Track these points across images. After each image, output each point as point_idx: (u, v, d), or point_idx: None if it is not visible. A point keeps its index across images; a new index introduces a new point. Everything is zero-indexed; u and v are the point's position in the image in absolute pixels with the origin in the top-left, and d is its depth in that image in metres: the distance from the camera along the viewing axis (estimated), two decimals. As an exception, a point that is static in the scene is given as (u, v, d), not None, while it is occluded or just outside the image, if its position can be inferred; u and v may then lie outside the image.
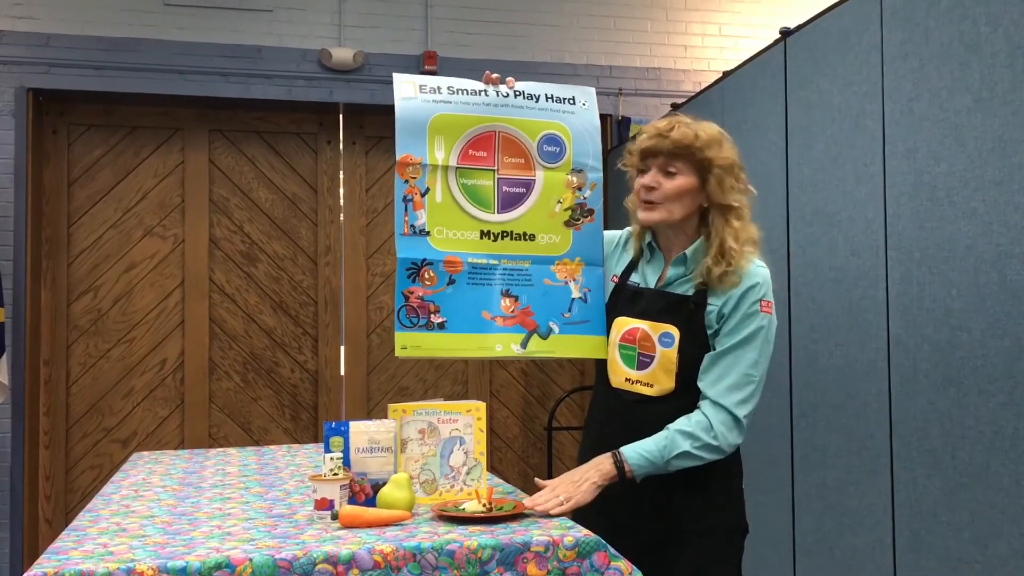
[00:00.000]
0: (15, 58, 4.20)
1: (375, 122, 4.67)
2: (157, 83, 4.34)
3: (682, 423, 1.77)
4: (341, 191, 4.76)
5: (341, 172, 4.76)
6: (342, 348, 4.72)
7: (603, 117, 4.84)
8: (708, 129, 1.83)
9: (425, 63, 4.55)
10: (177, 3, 4.36)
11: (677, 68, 4.97)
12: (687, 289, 1.84)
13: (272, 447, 2.75)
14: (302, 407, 4.68)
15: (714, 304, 1.80)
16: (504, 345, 1.92)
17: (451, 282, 1.91)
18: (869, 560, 2.53)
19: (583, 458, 2.00)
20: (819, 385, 2.81)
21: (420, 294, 1.89)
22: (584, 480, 1.77)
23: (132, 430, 4.47)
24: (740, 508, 1.88)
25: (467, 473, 1.93)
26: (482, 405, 1.96)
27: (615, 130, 4.85)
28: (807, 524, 2.87)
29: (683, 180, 1.82)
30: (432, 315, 1.89)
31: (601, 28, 4.86)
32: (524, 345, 1.93)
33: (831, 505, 2.73)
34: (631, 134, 4.76)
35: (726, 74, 3.59)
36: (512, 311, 1.94)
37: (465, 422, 1.94)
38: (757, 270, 1.81)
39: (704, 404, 1.79)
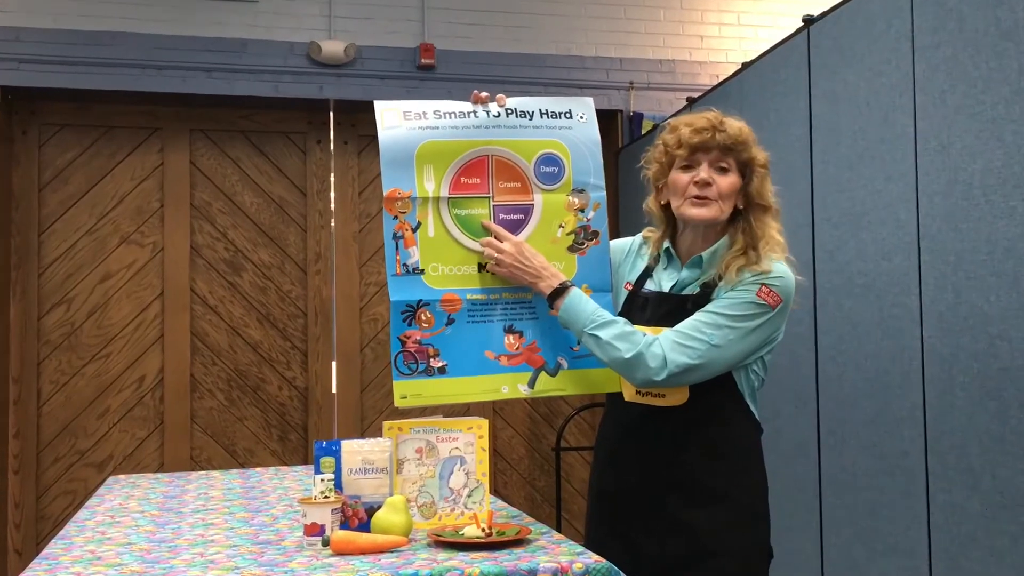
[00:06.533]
0: (-18, 54, 4.23)
1: (368, 120, 4.63)
2: (134, 80, 4.36)
3: (631, 326, 1.83)
4: (332, 194, 4.77)
5: (332, 174, 4.78)
6: (333, 363, 4.72)
7: (613, 113, 4.85)
8: (746, 127, 1.88)
9: (422, 56, 4.57)
10: (155, -6, 4.38)
11: (692, 60, 4.98)
12: (693, 288, 1.86)
13: (258, 469, 2.75)
14: (291, 427, 4.68)
15: (716, 295, 1.82)
16: (511, 386, 1.94)
17: (450, 322, 1.92)
18: (904, 589, 2.52)
19: (595, 481, 2.01)
20: (848, 400, 2.81)
21: (417, 338, 1.90)
22: (525, 269, 1.88)
23: (108, 453, 4.47)
24: (765, 529, 1.88)
25: (468, 496, 1.93)
26: (484, 422, 1.97)
27: (626, 127, 4.86)
28: (836, 550, 2.86)
29: (734, 178, 1.86)
30: (431, 359, 1.91)
31: (610, 18, 4.88)
32: (532, 384, 1.95)
33: (862, 530, 2.73)
34: (643, 131, 4.77)
35: (745, 66, 3.60)
36: (517, 348, 1.95)
37: (466, 440, 1.94)
38: (781, 266, 1.83)
39: (650, 335, 1.82)
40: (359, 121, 4.77)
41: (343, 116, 4.77)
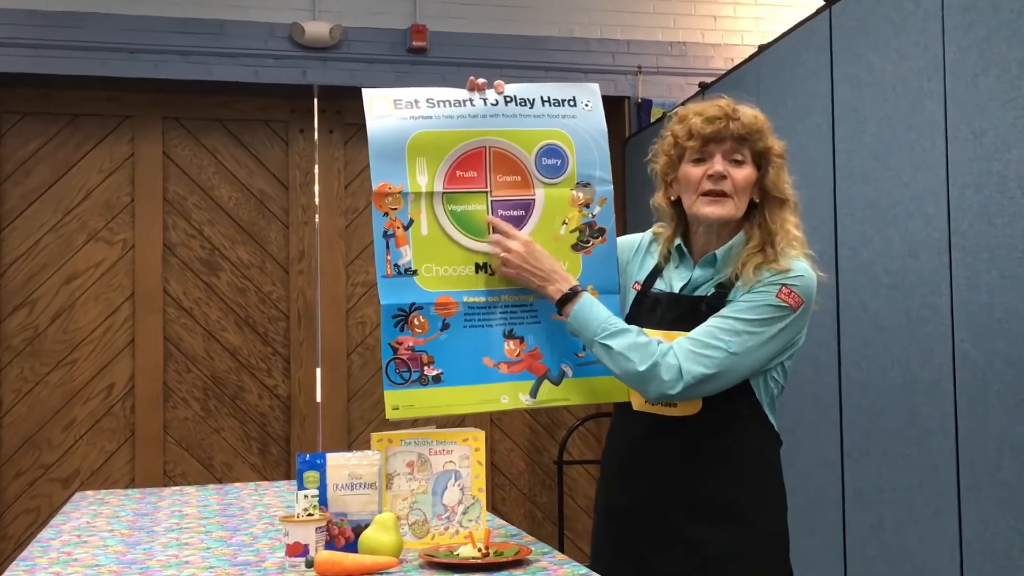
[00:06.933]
0: (-62, 36, 4.23)
1: (355, 107, 4.63)
2: (103, 64, 4.36)
3: (644, 335, 1.81)
4: (316, 188, 4.77)
5: (316, 166, 4.78)
6: (318, 370, 4.72)
7: (620, 100, 4.85)
8: (760, 115, 1.88)
9: (413, 38, 4.58)
10: (125, -29, 4.38)
11: (705, 42, 4.98)
12: (707, 289, 1.86)
13: (237, 485, 2.75)
14: (272, 439, 4.68)
15: (733, 297, 1.82)
16: (511, 396, 1.93)
17: (445, 327, 1.92)
18: (934, 613, 2.53)
19: (602, 496, 2.01)
20: (873, 409, 2.81)
21: (410, 344, 1.90)
22: (535, 271, 1.87)
23: (74, 467, 4.47)
24: (784, 549, 1.88)
25: (463, 513, 1.93)
26: (481, 434, 1.97)
27: (634, 114, 4.86)
28: (861, 571, 2.86)
29: (750, 170, 1.86)
30: (425, 367, 1.90)
31: (617, -4, 4.88)
32: (534, 393, 1.94)
33: (888, 549, 2.73)
34: (652, 119, 4.77)
35: (762, 48, 3.60)
36: (518, 355, 1.95)
37: (461, 453, 1.94)
38: (799, 264, 1.83)
39: (665, 343, 1.82)
40: (345, 108, 4.77)
41: (328, 103, 4.77)
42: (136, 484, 4.48)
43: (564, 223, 1.98)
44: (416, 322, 1.90)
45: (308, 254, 4.73)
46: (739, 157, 1.84)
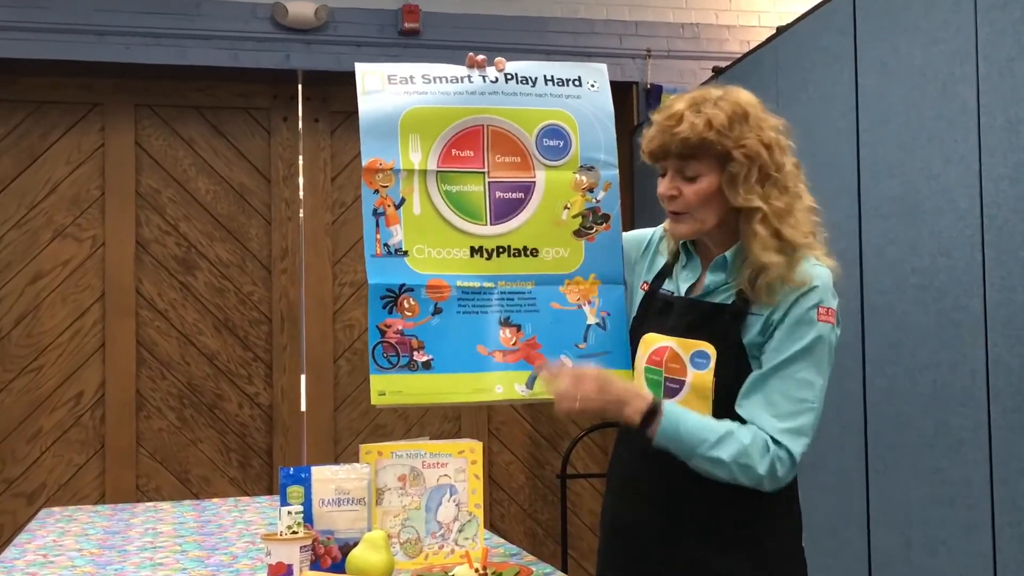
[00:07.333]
0: None
1: (342, 94, 4.69)
2: (70, 47, 4.36)
3: (742, 431, 1.75)
4: (300, 180, 4.77)
5: (300, 157, 4.78)
6: (303, 377, 4.72)
7: (628, 85, 4.86)
8: (727, 107, 1.80)
9: (404, 19, 4.58)
10: (95, -53, 4.39)
11: (720, 24, 4.98)
12: (727, 297, 1.85)
13: (215, 500, 2.76)
14: (253, 451, 4.68)
15: (759, 313, 1.81)
16: (505, 386, 1.94)
17: (437, 311, 1.93)
18: (966, 638, 2.53)
19: (607, 511, 2.01)
20: (900, 419, 2.81)
21: (399, 327, 1.91)
22: (610, 397, 1.76)
23: (40, 481, 4.48)
24: (800, 573, 1.89)
25: (459, 531, 1.93)
26: (478, 445, 1.97)
27: (642, 101, 4.87)
28: (888, 594, 2.87)
29: (705, 183, 1.81)
30: (415, 352, 1.91)
31: (624, -26, 4.89)
32: (530, 385, 1.95)
33: (917, 571, 2.73)
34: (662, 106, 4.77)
35: (780, 30, 3.61)
36: (514, 343, 1.96)
37: (457, 466, 1.95)
38: (813, 270, 1.81)
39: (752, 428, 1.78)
40: (332, 95, 4.78)
41: (313, 89, 4.78)
42: (107, 500, 4.48)
43: (566, 208, 2.00)
44: (406, 304, 1.92)
45: (292, 252, 4.74)
46: (690, 173, 1.81)
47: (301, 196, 4.77)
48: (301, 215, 4.76)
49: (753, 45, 4.20)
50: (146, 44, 4.42)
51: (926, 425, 2.70)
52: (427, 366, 1.91)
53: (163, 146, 4.66)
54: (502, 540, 2.18)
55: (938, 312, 2.66)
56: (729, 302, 1.83)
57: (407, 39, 4.65)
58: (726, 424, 1.77)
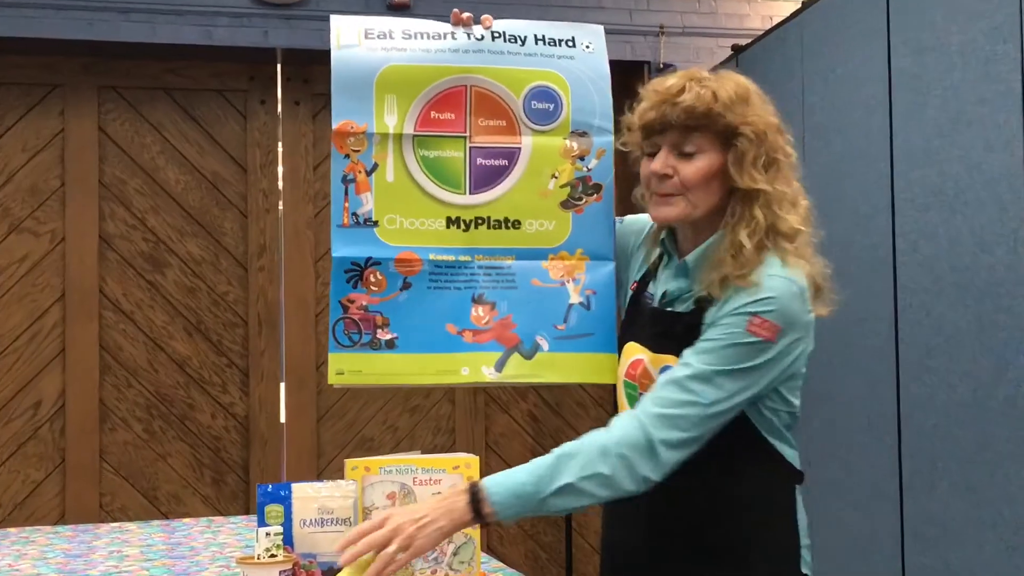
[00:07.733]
0: None
1: (325, 75, 4.64)
2: (28, 23, 4.35)
3: (568, 446, 1.73)
4: (280, 170, 4.77)
5: (280, 143, 4.78)
6: (282, 385, 4.72)
7: (639, 65, 4.85)
8: (729, 85, 1.80)
9: (394, -6, 4.58)
10: (55, -86, 4.38)
11: (739, -2, 4.98)
12: (688, 307, 1.84)
13: (186, 520, 2.76)
14: (227, 466, 4.67)
15: (708, 318, 1.78)
16: (472, 368, 1.95)
17: (406, 286, 1.94)
18: (1010, 672, 2.52)
19: (602, 531, 2.01)
20: (938, 432, 2.81)
21: (363, 303, 1.93)
22: (428, 522, 1.69)
23: (-6, 499, 4.47)
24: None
25: (454, 554, 1.93)
26: (474, 460, 1.97)
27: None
28: (923, 622, 2.86)
29: (705, 161, 1.80)
30: (379, 330, 1.93)
31: (634, -56, 4.89)
32: (500, 367, 1.95)
33: (956, 596, 2.73)
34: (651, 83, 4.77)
35: (806, 5, 3.60)
36: (486, 322, 1.96)
37: (451, 483, 1.94)
38: (770, 280, 1.77)
39: (623, 415, 1.77)
40: (314, 76, 4.77)
41: (294, 69, 4.77)
42: (67, 520, 4.47)
43: (554, 176, 2.00)
44: (372, 279, 1.93)
45: (270, 248, 4.73)
46: (689, 148, 1.79)
47: (280, 187, 4.76)
48: (280, 207, 4.75)
49: (776, 21, 4.19)
50: (111, 20, 4.41)
51: (965, 438, 2.69)
52: (390, 345, 1.92)
53: (129, 132, 4.65)
54: (501, 564, 2.17)
55: (979, 314, 2.65)
56: (688, 311, 1.82)
57: (397, 14, 4.63)
58: (553, 455, 1.73)
